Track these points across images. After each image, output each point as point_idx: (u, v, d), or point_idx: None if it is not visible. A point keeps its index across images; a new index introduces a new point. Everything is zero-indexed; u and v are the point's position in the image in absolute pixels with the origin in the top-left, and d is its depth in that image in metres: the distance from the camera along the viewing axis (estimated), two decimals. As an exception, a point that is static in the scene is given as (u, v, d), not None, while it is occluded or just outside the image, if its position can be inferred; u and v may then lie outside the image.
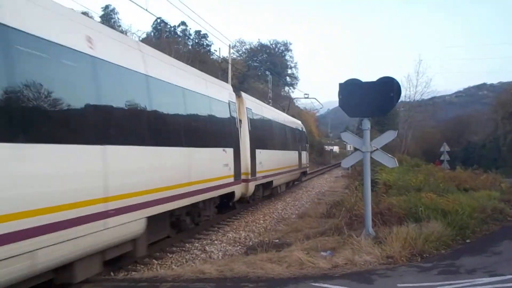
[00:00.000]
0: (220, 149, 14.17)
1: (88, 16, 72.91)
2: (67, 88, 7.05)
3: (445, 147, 34.10)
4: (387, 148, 10.80)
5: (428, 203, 11.65)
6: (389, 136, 10.53)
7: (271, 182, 20.97)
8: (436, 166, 28.69)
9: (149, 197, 9.14)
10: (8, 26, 5.81)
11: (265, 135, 20.65)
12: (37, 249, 5.95)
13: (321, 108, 78.18)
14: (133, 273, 9.59)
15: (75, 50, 7.19)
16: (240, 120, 16.76)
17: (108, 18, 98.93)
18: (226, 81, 43.02)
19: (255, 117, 18.76)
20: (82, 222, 6.93)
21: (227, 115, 15.18)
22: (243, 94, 18.09)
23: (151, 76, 9.82)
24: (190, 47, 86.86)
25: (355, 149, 10.70)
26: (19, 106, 5.96)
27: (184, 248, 12.06)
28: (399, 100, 11.10)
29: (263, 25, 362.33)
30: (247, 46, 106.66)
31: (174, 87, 11.17)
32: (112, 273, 9.39)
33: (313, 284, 7.32)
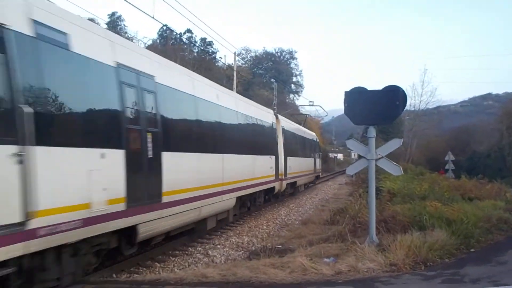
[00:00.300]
0: (268, 156, 20.02)
1: (94, 22, 73.57)
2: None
3: (450, 156, 34.05)
4: (391, 156, 10.77)
5: (433, 211, 11.60)
6: (394, 144, 10.52)
7: (296, 182, 26.76)
8: (440, 175, 28.60)
9: (238, 185, 15.24)
10: (169, 87, 10.67)
11: (292, 146, 25.79)
12: (200, 207, 11.89)
13: (326, 115, 78.27)
14: (136, 275, 9.59)
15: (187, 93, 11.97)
16: (277, 135, 22.13)
17: (114, 25, 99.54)
18: (231, 88, 43.96)
19: (286, 133, 24.18)
20: (216, 195, 13.06)
21: (272, 132, 21.40)
22: (279, 116, 24.29)
23: (250, 116, 17.68)
24: (195, 54, 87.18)
25: (360, 157, 10.68)
26: (195, 134, 12.17)
27: (186, 252, 12.06)
28: (404, 109, 11.09)
29: (268, 33, 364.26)
30: (252, 54, 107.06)
31: (252, 119, 18.05)
32: (114, 275, 9.39)
33: (316, 290, 7.30)
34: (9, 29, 5.91)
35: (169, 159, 9.85)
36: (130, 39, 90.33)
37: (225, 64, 79.11)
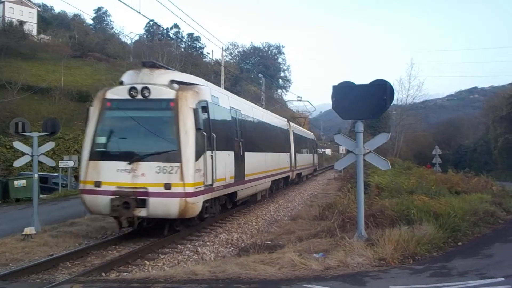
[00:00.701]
0: (286, 153, 26.35)
1: (80, 18, 71.53)
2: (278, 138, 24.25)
3: (437, 150, 34.29)
4: (379, 151, 10.82)
5: (420, 205, 11.69)
6: (382, 138, 10.57)
7: (301, 173, 33.20)
8: (427, 169, 28.80)
9: (272, 173, 21.58)
10: (245, 115, 17.87)
11: (299, 145, 31.84)
12: (257, 184, 18.57)
13: (313, 111, 78.37)
14: (125, 273, 9.54)
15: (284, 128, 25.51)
16: (290, 137, 28.43)
17: (100, 20, 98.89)
18: (219, 83, 44.72)
19: (295, 135, 30.52)
20: (263, 178, 19.66)
21: (287, 135, 27.77)
22: (291, 123, 30.87)
23: (278, 126, 25.37)
24: (182, 49, 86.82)
25: (348, 152, 10.71)
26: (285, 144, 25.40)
27: (176, 249, 12.01)
28: (392, 103, 11.12)
29: (256, 28, 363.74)
30: (240, 49, 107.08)
31: (278, 128, 25.40)
32: (103, 274, 9.34)
33: (305, 285, 7.33)
34: (207, 100, 12.88)
35: (247, 156, 16.89)
36: (117, 34, 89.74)
37: (212, 59, 78.95)
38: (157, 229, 12.96)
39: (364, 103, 10.22)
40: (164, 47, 63.43)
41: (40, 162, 15.16)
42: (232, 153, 14.91)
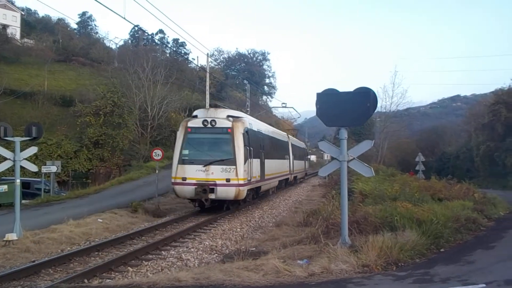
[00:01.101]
0: (286, 160, 32.00)
1: (64, 22, 71.30)
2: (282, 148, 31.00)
3: (420, 157, 34.63)
4: (363, 158, 10.90)
5: (404, 212, 11.77)
6: (365, 145, 10.65)
7: (297, 176, 39.28)
8: (410, 176, 29.03)
9: (278, 175, 27.47)
10: (290, 144, 34.43)
11: (295, 152, 37.20)
12: (270, 183, 25.21)
13: (298, 117, 78.71)
14: (108, 280, 9.47)
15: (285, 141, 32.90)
16: (289, 147, 34.01)
17: (85, 25, 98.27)
18: (204, 90, 46.20)
19: (293, 145, 36.46)
20: (274, 178, 26.24)
21: (287, 145, 33.36)
22: (289, 136, 38.28)
23: (291, 143, 35.18)
24: (168, 55, 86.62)
25: (332, 158, 10.77)
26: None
27: (160, 256, 11.95)
28: (375, 111, 11.22)
29: (241, 35, 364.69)
30: (225, 55, 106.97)
31: (282, 140, 31.59)
32: (86, 280, 9.27)
33: (289, 292, 7.33)
34: (247, 127, 19.80)
35: (266, 162, 23.33)
36: (101, 39, 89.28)
37: (197, 65, 78.82)
38: (215, 209, 20.16)
39: (348, 110, 10.29)
40: (149, 53, 63.19)
41: (22, 167, 15.00)
42: (259, 160, 21.71)
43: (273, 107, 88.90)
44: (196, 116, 19.92)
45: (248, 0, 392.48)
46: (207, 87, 64.37)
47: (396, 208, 12.39)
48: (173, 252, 12.35)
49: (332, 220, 12.08)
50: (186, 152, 19.13)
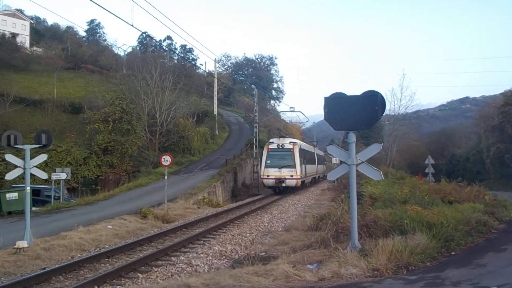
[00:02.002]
0: (313, 165, 44.78)
1: (73, 30, 71.84)
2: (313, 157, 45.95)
3: (430, 160, 34.45)
4: (372, 161, 10.87)
5: (414, 215, 11.69)
6: (374, 149, 10.60)
7: (319, 176, 49.72)
8: (419, 179, 28.85)
9: (313, 174, 43.84)
10: (316, 153, 49.08)
11: (318, 159, 49.65)
12: (310, 177, 42.19)
13: (306, 121, 78.59)
14: (118, 286, 9.51)
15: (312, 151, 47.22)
16: (315, 155, 46.67)
17: (93, 32, 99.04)
18: (212, 95, 47.51)
19: (318, 154, 49.69)
20: (309, 176, 41.38)
21: (314, 155, 46.30)
22: (315, 147, 51.81)
23: (316, 153, 49.09)
24: (175, 61, 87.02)
25: (341, 162, 10.74)
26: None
27: (169, 262, 11.97)
28: (384, 114, 11.17)
29: (248, 40, 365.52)
30: (233, 60, 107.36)
31: (312, 152, 46.10)
32: (96, 287, 9.29)
33: (299, 297, 7.30)
34: (300, 147, 36.65)
35: (306, 167, 38.62)
36: (110, 46, 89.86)
37: (205, 71, 79.04)
38: (283, 192, 34.58)
39: (356, 114, 10.27)
40: (157, 59, 63.50)
41: (32, 175, 15.10)
42: (304, 165, 36.74)
43: (281, 111, 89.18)
44: (272, 142, 36.46)
45: (256, 4, 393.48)
46: (215, 92, 64.80)
47: (406, 211, 12.30)
48: (182, 258, 12.37)
49: (341, 224, 12.03)
50: (268, 161, 34.81)
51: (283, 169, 34.01)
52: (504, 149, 45.01)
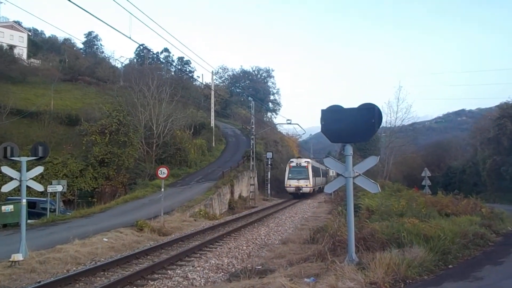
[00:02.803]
0: (320, 177, 56.50)
1: (70, 42, 71.81)
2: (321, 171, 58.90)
3: (426, 172, 34.48)
4: (369, 173, 10.86)
5: (411, 228, 11.68)
6: (371, 161, 10.60)
7: (323, 186, 50.01)
8: (415, 191, 28.86)
9: (319, 185, 54.78)
10: (321, 168, 59.29)
11: (323, 172, 59.10)
12: (318, 186, 53.60)
13: (303, 133, 78.81)
14: (114, 301, 9.41)
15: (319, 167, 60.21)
16: (321, 169, 58.06)
17: (91, 44, 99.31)
18: (209, 107, 46.57)
19: (321, 169, 57.84)
20: (318, 185, 53.74)
21: (321, 168, 57.67)
22: (320, 163, 56.75)
23: (321, 168, 57.95)
24: (173, 73, 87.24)
25: (338, 175, 10.73)
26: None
27: (166, 275, 11.90)
28: (380, 126, 11.19)
29: (245, 52, 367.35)
30: (230, 73, 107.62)
31: (320, 168, 57.52)
32: (92, 302, 9.21)
33: (296, 311, 7.25)
34: (312, 165, 51.50)
35: (315, 179, 51.63)
36: (107, 58, 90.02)
37: (202, 83, 79.24)
38: (300, 197, 47.86)
39: (353, 126, 10.28)
40: (154, 71, 63.62)
41: (28, 187, 15.04)
42: (314, 178, 50.43)
43: (278, 123, 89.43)
44: (292, 161, 50.84)
45: (253, 18, 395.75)
46: (212, 105, 64.92)
47: (403, 224, 12.30)
48: (179, 271, 12.31)
49: (338, 237, 12.00)
50: (290, 175, 48.88)
51: (300, 181, 48.44)
52: (500, 162, 45.08)
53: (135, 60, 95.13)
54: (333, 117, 10.52)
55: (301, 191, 48.08)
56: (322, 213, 28.39)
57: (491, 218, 16.78)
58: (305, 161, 50.84)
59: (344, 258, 9.97)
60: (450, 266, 10.05)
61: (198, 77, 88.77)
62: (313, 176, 49.29)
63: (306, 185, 48.28)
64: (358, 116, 10.29)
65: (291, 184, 48.58)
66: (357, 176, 10.16)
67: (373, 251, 10.24)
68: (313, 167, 50.40)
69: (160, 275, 11.91)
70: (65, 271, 12.62)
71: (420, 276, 9.07)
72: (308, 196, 48.60)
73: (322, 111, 10.53)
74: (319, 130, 11.03)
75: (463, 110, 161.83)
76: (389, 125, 59.52)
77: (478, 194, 27.48)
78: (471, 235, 12.58)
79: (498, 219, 17.11)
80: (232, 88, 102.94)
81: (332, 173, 60.01)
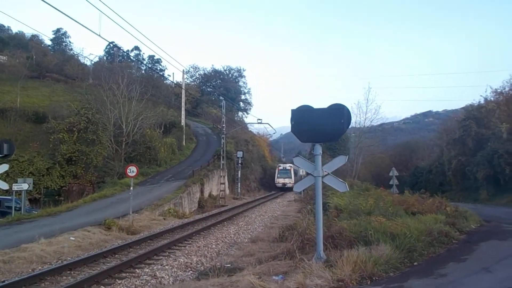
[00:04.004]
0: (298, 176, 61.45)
1: (38, 39, 70.57)
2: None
3: (394, 172, 35.07)
4: (338, 173, 11.00)
5: (378, 226, 11.88)
6: (340, 161, 10.74)
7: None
8: (383, 190, 29.31)
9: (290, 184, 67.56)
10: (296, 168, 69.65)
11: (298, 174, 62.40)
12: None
13: (274, 133, 79.26)
14: (80, 300, 9.29)
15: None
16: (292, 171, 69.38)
17: (59, 41, 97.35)
18: (180, 106, 44.76)
19: (300, 170, 53.38)
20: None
21: (300, 170, 48.97)
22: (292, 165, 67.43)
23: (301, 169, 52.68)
24: (143, 71, 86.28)
25: (307, 174, 10.83)
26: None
27: (134, 274, 11.80)
28: (350, 126, 11.35)
29: (216, 51, 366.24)
30: (201, 72, 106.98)
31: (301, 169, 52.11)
32: (57, 301, 9.08)
33: (264, 308, 7.30)
34: (294, 169, 66.04)
35: (296, 177, 63.97)
36: (76, 55, 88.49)
37: (173, 82, 78.65)
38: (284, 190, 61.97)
39: (322, 126, 10.38)
40: (124, 69, 62.85)
41: (-8, 185, 14.70)
42: (295, 176, 64.55)
43: (248, 123, 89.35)
44: (280, 166, 70.47)
45: (224, 17, 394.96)
46: (183, 103, 64.51)
47: (370, 222, 12.49)
48: (147, 270, 12.22)
49: (307, 235, 12.11)
50: (279, 175, 67.24)
51: (286, 179, 66.08)
52: (465, 162, 46.01)
53: (104, 58, 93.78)
54: (303, 117, 10.59)
55: (286, 186, 64.19)
56: (291, 212, 28.56)
57: (455, 217, 17.18)
58: (289, 166, 67.94)
59: (312, 256, 10.08)
60: (415, 263, 10.27)
61: (169, 75, 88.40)
62: (294, 175, 65.38)
63: (290, 182, 63.95)
64: (327, 116, 10.39)
65: (279, 181, 66.65)
66: (326, 175, 10.28)
67: (341, 249, 10.38)
68: (294, 169, 65.88)
69: (128, 274, 11.81)
70: (30, 270, 12.38)
71: (386, 273, 9.24)
72: (291, 189, 56.53)
73: (292, 111, 10.61)
74: (290, 130, 11.10)
75: (430, 112, 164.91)
76: (359, 126, 60.31)
77: (443, 193, 28.14)
78: (436, 233, 12.88)
79: (462, 217, 17.52)
80: (203, 87, 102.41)
81: (301, 172, 64.84)
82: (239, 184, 52.14)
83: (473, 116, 47.02)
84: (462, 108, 56.59)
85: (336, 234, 11.47)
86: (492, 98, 49.54)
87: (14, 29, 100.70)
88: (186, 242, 17.03)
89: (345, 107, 10.44)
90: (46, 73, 73.30)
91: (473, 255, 11.59)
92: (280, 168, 68.88)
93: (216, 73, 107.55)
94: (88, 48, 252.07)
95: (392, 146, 78.26)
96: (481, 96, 52.33)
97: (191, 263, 13.19)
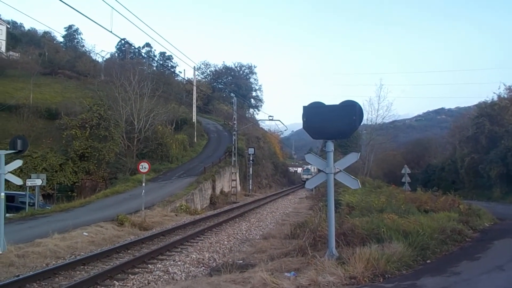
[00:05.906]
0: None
1: (50, 35, 70.80)
2: None
3: (406, 169, 34.83)
4: (350, 170, 10.95)
5: (390, 224, 11.83)
6: (352, 158, 10.70)
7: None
8: (394, 188, 29.15)
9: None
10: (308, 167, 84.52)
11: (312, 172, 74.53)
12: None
13: (285, 130, 79.28)
14: (94, 295, 9.37)
15: None
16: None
17: (71, 38, 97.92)
18: (191, 103, 44.66)
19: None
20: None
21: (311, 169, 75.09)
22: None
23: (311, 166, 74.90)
24: (154, 68, 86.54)
25: (319, 171, 10.80)
26: None
27: (146, 269, 11.87)
28: (361, 123, 11.29)
29: (228, 48, 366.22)
30: (212, 68, 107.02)
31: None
32: (71, 296, 9.16)
33: (277, 305, 7.31)
34: (313, 167, 72.20)
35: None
36: (88, 52, 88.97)
37: (184, 78, 78.81)
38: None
39: (334, 123, 10.34)
40: (136, 66, 63.09)
41: (7, 181, 14.84)
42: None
43: (260, 120, 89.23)
44: (304, 166, 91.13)
45: (236, 14, 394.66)
46: (194, 100, 64.66)
47: (382, 220, 12.44)
48: (159, 266, 12.29)
49: (319, 232, 12.09)
50: (303, 172, 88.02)
51: (308, 175, 70.13)
52: (478, 160, 45.68)
53: (116, 54, 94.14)
54: (315, 114, 10.56)
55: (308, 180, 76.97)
56: (303, 209, 28.55)
57: (468, 215, 17.06)
58: (310, 166, 75.18)
59: (324, 253, 10.06)
60: (428, 261, 10.21)
61: (180, 72, 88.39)
62: (314, 173, 66.19)
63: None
64: (339, 113, 10.35)
65: (303, 177, 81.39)
66: (338, 172, 10.25)
67: (353, 246, 10.34)
68: (314, 168, 70.43)
69: (140, 269, 11.88)
70: (44, 265, 12.51)
71: (399, 270, 9.20)
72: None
73: (304, 107, 10.58)
74: (301, 126, 11.07)
75: (442, 109, 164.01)
76: (370, 123, 60.05)
77: (456, 191, 27.88)
78: (449, 231, 12.79)
79: (475, 215, 17.40)
80: (214, 84, 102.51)
81: (313, 169, 72.93)
82: (250, 181, 52.16)
83: (486, 113, 46.61)
84: (475, 105, 56.13)
85: (348, 231, 11.44)
86: (505, 95, 49.00)
87: (27, 26, 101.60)
88: (198, 238, 17.10)
89: (357, 103, 10.39)
90: (58, 70, 73.77)
91: (486, 253, 11.51)
92: (304, 168, 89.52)
93: (227, 70, 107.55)
94: (100, 45, 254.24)
95: (404, 144, 77.80)
96: (494, 93, 51.67)
97: (203, 259, 13.24)
